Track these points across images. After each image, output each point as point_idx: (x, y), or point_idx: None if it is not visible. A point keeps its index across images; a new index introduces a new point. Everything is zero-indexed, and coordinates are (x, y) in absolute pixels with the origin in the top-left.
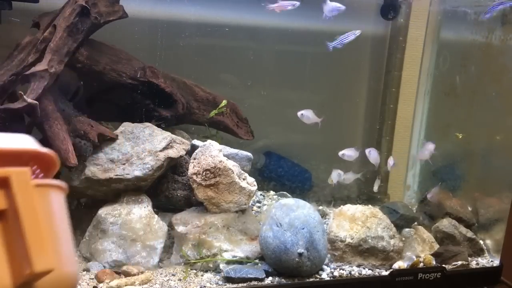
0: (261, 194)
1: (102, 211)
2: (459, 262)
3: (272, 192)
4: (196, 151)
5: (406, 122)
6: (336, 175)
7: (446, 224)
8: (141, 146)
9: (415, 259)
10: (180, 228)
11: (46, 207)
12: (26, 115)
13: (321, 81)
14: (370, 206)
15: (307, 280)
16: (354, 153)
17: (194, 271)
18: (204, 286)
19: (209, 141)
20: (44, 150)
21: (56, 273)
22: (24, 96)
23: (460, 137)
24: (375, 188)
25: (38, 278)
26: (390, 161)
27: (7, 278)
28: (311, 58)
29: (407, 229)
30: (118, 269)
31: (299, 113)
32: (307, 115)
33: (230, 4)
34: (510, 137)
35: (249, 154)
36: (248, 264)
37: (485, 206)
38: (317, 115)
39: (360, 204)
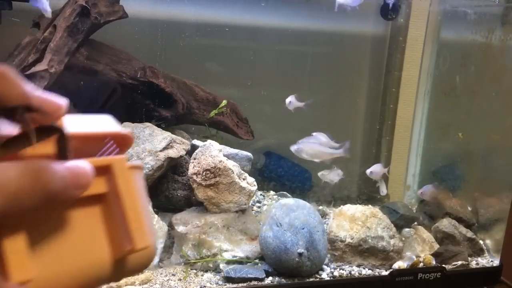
0: (261, 194)
1: None
2: (459, 262)
3: (272, 192)
4: (196, 151)
5: (406, 122)
6: (336, 175)
7: (446, 224)
8: (141, 146)
9: (415, 259)
10: (180, 228)
11: (136, 187)
12: None
13: (321, 81)
14: (370, 206)
15: (307, 280)
16: (312, 140)
17: (194, 271)
18: (204, 286)
19: (209, 141)
20: (125, 131)
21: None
22: None
23: (461, 136)
24: (383, 192)
25: (133, 254)
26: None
27: (107, 252)
28: (311, 58)
29: (407, 229)
30: None
31: (287, 101)
32: (292, 101)
33: (230, 4)
34: (510, 137)
35: (249, 154)
36: (248, 264)
37: (485, 206)
38: (300, 100)
39: (360, 204)
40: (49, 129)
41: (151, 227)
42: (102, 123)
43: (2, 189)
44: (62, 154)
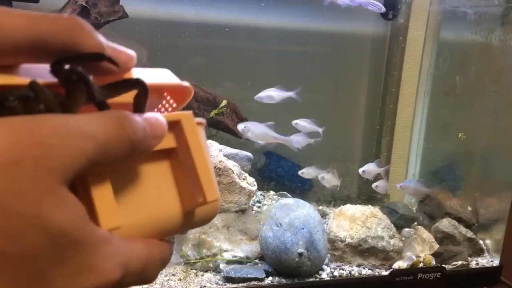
0: (261, 194)
1: None
2: (459, 262)
3: (272, 192)
4: None
5: (406, 122)
6: (316, 172)
7: (446, 224)
8: None
9: (415, 259)
10: None
11: (203, 142)
12: None
13: (321, 81)
14: (370, 206)
15: (307, 280)
16: (256, 127)
17: (194, 271)
18: (204, 286)
19: (209, 141)
20: (185, 83)
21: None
22: None
23: (462, 136)
24: (381, 188)
25: (202, 206)
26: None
27: (178, 205)
28: (311, 58)
29: (407, 229)
30: None
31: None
32: (272, 94)
33: (230, 4)
34: (510, 137)
35: (249, 154)
36: (248, 264)
37: (485, 206)
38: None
39: (360, 204)
40: (134, 83)
41: (216, 181)
42: (161, 76)
43: (92, 137)
44: (140, 108)
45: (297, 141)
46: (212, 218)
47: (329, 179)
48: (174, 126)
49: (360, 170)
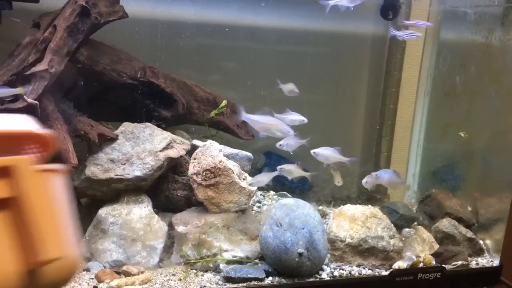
0: (261, 194)
1: (102, 211)
2: (459, 262)
3: (272, 192)
4: (196, 151)
5: (406, 122)
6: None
7: (446, 224)
8: (141, 146)
9: (415, 259)
10: (180, 228)
11: (48, 192)
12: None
13: (321, 81)
14: (370, 206)
15: (307, 280)
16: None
17: (194, 271)
18: (204, 286)
19: (209, 141)
20: (41, 131)
21: (61, 259)
22: (25, 96)
23: (463, 136)
24: (338, 182)
25: (44, 265)
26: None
27: (12, 265)
28: (311, 58)
29: (407, 229)
30: (118, 269)
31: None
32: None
33: (230, 4)
34: (510, 137)
35: (249, 154)
36: (248, 264)
37: (485, 206)
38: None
39: (360, 204)
40: None
41: (71, 236)
42: (18, 123)
43: None
44: None
45: (288, 144)
46: (70, 277)
47: (291, 169)
48: (7, 173)
49: (312, 151)
